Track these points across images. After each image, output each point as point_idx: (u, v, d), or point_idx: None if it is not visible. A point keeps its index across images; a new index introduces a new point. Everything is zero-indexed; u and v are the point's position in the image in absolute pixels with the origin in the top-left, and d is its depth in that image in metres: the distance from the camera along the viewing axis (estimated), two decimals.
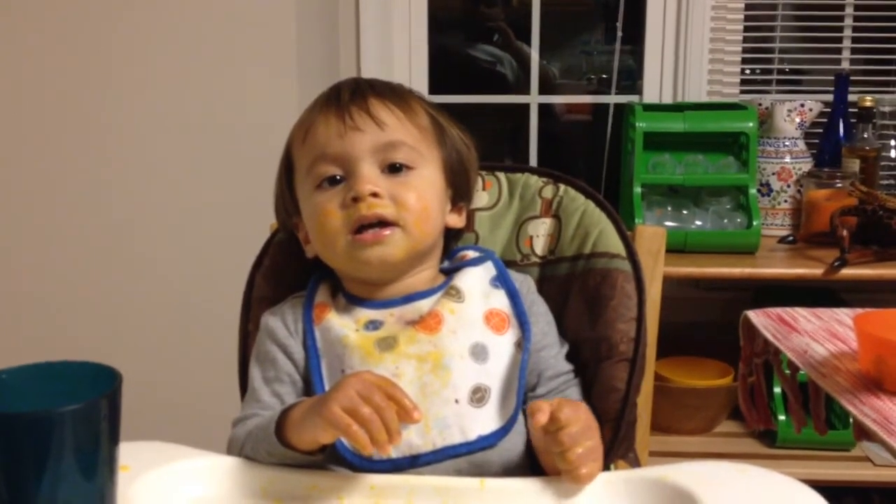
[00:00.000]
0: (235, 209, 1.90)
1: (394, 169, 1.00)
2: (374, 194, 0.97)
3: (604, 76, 2.54)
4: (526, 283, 1.07)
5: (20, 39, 1.86)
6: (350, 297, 1.04)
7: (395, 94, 1.04)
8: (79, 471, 0.70)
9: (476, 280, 1.04)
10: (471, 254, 1.09)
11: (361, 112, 1.00)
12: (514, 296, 1.04)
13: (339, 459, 0.95)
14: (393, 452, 0.93)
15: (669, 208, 2.05)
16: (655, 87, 2.36)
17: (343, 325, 1.01)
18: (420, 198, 1.00)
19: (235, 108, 1.89)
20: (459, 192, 1.08)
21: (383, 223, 0.98)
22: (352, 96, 1.01)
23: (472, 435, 0.95)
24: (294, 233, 1.10)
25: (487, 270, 1.06)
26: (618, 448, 1.01)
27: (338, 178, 1.00)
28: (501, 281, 1.05)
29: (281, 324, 1.03)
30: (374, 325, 1.01)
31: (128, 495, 0.80)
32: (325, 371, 0.99)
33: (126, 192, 1.92)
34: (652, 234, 1.18)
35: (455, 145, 1.07)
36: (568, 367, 1.04)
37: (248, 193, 1.89)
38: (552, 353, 1.04)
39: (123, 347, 1.91)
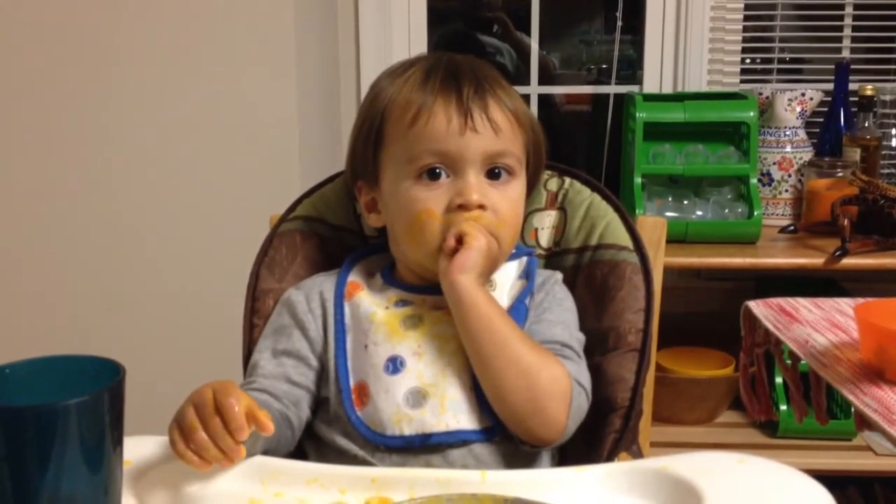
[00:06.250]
0: (236, 205, 1.90)
1: (493, 174, 1.00)
2: (481, 206, 0.97)
3: (604, 66, 2.54)
4: (552, 277, 1.07)
5: (20, 38, 1.86)
6: (391, 279, 1.06)
7: (506, 92, 1.02)
8: (83, 463, 0.70)
9: (508, 273, 1.06)
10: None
11: (483, 114, 0.98)
12: (530, 285, 1.04)
13: (351, 434, 0.97)
14: (406, 430, 0.95)
15: (670, 198, 2.05)
16: (655, 76, 2.36)
17: (373, 303, 1.02)
18: (515, 211, 1.02)
19: (234, 100, 1.89)
20: (529, 188, 1.08)
21: None
22: (474, 92, 0.98)
23: (484, 423, 0.96)
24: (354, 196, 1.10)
25: (520, 264, 1.07)
26: (625, 439, 1.01)
27: (437, 171, 0.98)
28: (526, 274, 1.06)
29: (303, 299, 1.04)
30: (403, 302, 1.03)
31: (129, 490, 0.81)
32: (349, 345, 1.01)
33: (127, 188, 1.92)
34: (652, 224, 1.18)
35: (537, 138, 1.06)
36: (561, 338, 1.01)
37: (248, 189, 1.90)
38: (549, 325, 1.02)
39: (126, 342, 1.91)
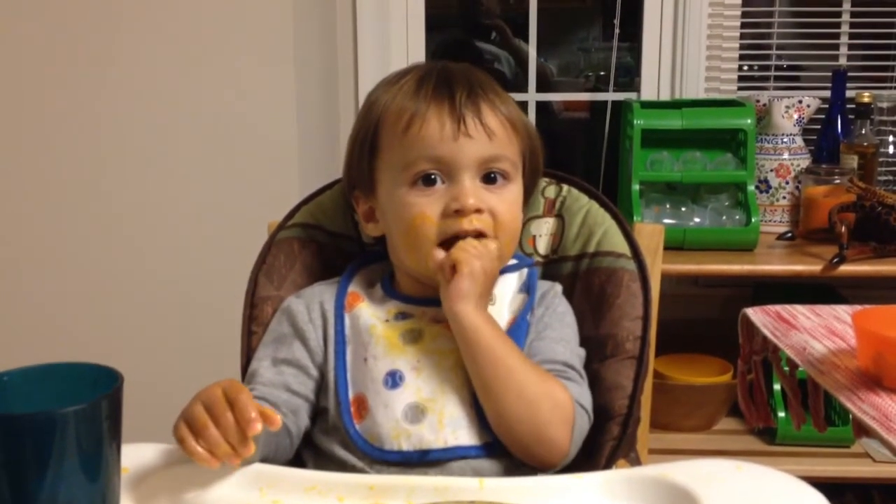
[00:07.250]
0: (234, 211, 1.90)
1: (489, 178, 1.00)
2: (478, 210, 0.97)
3: (601, 73, 2.54)
4: (552, 290, 1.06)
5: (18, 34, 1.86)
6: (391, 289, 1.05)
7: (500, 97, 1.02)
8: (81, 471, 0.70)
9: (509, 286, 1.05)
10: (512, 260, 1.08)
11: (476, 119, 0.98)
12: (531, 299, 1.04)
13: (350, 446, 0.96)
14: (404, 445, 0.94)
15: (668, 205, 2.05)
16: (653, 84, 2.36)
17: (373, 315, 1.02)
18: (513, 214, 1.01)
19: (233, 107, 1.89)
20: (526, 194, 1.08)
21: (480, 235, 0.98)
22: (467, 97, 0.98)
23: (483, 439, 0.95)
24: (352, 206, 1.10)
25: (521, 276, 1.07)
26: (623, 446, 1.01)
27: (432, 177, 0.98)
28: (527, 287, 1.05)
29: (304, 309, 1.04)
30: (403, 315, 1.02)
31: (127, 497, 0.80)
32: (349, 358, 1.00)
33: (124, 191, 1.92)
34: (650, 231, 1.18)
35: (533, 144, 1.06)
36: (563, 358, 1.00)
37: (246, 196, 1.90)
38: (551, 343, 1.01)
39: (124, 349, 1.90)
